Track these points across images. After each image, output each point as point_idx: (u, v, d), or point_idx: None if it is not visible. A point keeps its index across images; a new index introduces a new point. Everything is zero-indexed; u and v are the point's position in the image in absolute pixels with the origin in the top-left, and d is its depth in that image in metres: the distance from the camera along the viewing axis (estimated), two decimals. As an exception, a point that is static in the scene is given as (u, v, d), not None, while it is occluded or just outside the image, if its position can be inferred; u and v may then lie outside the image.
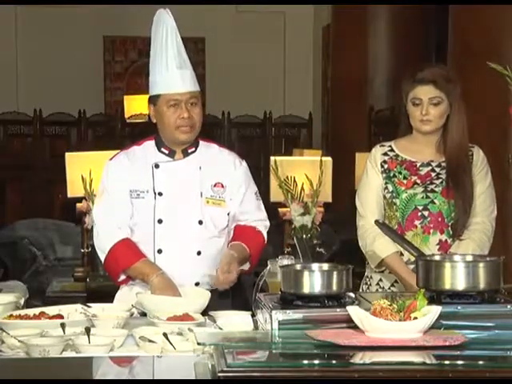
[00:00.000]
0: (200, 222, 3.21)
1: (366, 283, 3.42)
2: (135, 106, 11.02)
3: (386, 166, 3.34)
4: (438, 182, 3.31)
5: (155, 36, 3.23)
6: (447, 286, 2.51)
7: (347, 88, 8.76)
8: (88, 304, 2.91)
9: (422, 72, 3.26)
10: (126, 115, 10.77)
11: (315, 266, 2.65)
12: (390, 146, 3.38)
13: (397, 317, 2.28)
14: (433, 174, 3.32)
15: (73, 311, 2.86)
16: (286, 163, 5.37)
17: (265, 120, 10.90)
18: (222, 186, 3.25)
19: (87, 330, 2.54)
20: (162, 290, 3.07)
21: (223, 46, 11.09)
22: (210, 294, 3.03)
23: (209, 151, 3.30)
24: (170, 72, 3.18)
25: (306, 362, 2.19)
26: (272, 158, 5.37)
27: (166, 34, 3.20)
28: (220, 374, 2.07)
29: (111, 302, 3.21)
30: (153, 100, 3.25)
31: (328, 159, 5.53)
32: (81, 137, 10.43)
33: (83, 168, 5.06)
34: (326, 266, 2.63)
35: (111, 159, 3.31)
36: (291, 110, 11.10)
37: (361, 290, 3.42)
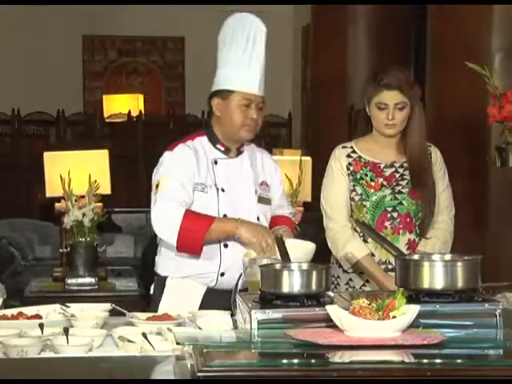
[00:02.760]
0: (258, 219, 3.26)
1: (333, 283, 3.42)
2: (114, 105, 11.00)
3: (351, 169, 3.40)
4: (403, 183, 3.37)
5: (237, 35, 3.22)
6: (426, 285, 2.52)
7: (327, 87, 8.77)
8: (67, 304, 2.89)
9: (387, 77, 3.30)
10: (106, 115, 10.74)
11: (294, 265, 2.66)
12: (352, 148, 3.44)
13: (376, 316, 2.29)
14: (397, 175, 3.39)
15: (51, 311, 2.85)
16: (266, 163, 5.37)
17: (244, 119, 10.89)
18: (267, 185, 3.35)
19: (66, 331, 2.53)
20: (255, 236, 3.05)
21: (203, 46, 11.05)
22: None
23: (251, 150, 3.36)
24: (252, 71, 3.21)
25: (285, 361, 2.19)
26: (252, 158, 5.36)
27: (254, 36, 3.22)
28: (199, 374, 2.06)
29: (89, 301, 3.19)
30: (222, 94, 3.23)
31: (308, 159, 5.53)
32: (60, 136, 10.38)
33: (62, 168, 5.04)
34: (305, 266, 2.64)
35: (171, 149, 3.23)
36: (271, 109, 11.01)
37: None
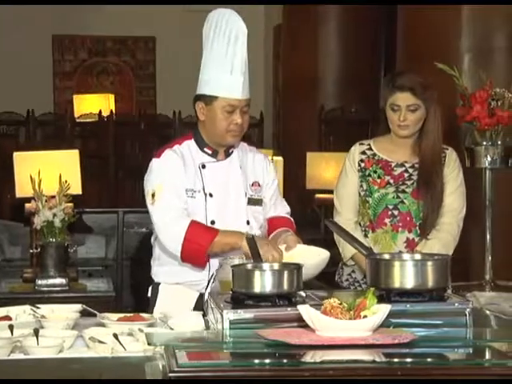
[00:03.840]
0: (248, 223, 3.20)
1: (338, 273, 3.61)
2: (85, 105, 10.94)
3: (362, 165, 3.50)
4: (409, 182, 3.47)
5: (218, 34, 3.14)
6: (396, 284, 2.54)
7: (298, 87, 8.79)
8: (37, 305, 2.87)
9: (401, 79, 3.41)
10: (76, 115, 10.68)
11: (266, 265, 2.67)
12: (369, 145, 3.54)
13: (347, 315, 2.30)
14: (406, 175, 3.48)
15: (21, 312, 2.83)
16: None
17: (216, 119, 10.86)
18: (259, 185, 3.28)
19: (36, 332, 2.51)
20: (260, 248, 2.90)
21: (174, 46, 11.05)
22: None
23: (243, 150, 3.30)
24: (235, 77, 3.11)
25: (257, 361, 2.19)
26: (223, 158, 5.35)
27: (235, 36, 3.12)
28: (171, 375, 2.06)
29: (60, 302, 3.17)
30: (206, 99, 3.15)
31: (279, 159, 5.56)
32: (29, 136, 10.31)
33: (32, 168, 5.01)
34: (276, 266, 2.65)
35: (158, 156, 3.18)
36: (242, 109, 11.09)
37: (336, 280, 3.61)
